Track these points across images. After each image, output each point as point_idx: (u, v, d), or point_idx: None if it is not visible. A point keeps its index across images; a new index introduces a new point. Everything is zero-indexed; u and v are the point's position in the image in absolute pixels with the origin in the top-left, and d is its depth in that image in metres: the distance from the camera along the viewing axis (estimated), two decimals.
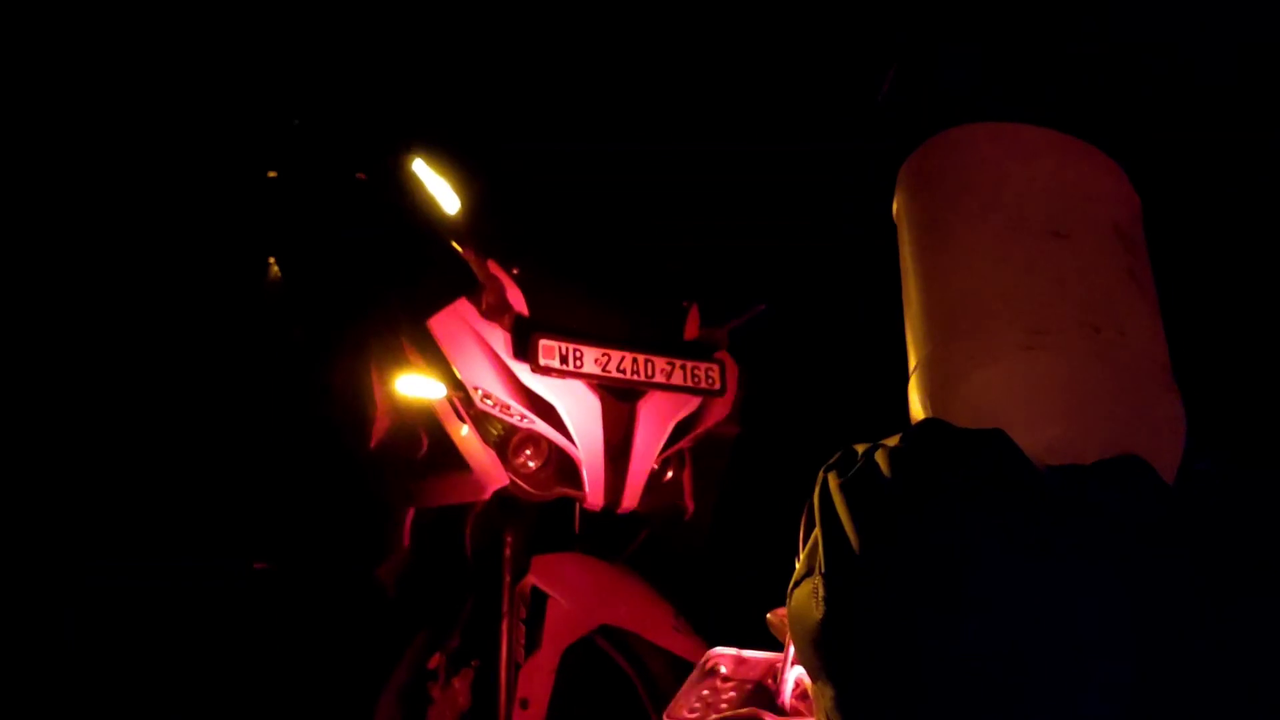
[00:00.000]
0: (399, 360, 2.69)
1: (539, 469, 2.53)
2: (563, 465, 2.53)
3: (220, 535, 2.64)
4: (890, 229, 1.12)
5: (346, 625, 2.58)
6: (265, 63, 2.94)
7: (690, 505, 2.71)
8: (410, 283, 2.69)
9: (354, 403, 2.89)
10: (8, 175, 2.70)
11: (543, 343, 2.42)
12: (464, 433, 2.55)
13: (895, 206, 1.12)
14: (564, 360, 2.43)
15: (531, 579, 2.57)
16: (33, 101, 2.75)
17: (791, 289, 2.98)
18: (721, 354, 2.75)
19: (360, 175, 2.57)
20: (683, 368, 2.56)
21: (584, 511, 2.57)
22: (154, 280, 2.89)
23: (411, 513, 2.71)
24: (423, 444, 2.67)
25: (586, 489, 2.49)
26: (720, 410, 2.69)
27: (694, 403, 2.64)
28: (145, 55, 2.84)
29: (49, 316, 2.69)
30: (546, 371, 2.41)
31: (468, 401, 2.51)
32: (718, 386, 2.60)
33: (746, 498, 2.85)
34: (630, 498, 2.51)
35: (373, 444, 2.83)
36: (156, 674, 2.54)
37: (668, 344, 2.67)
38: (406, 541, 2.73)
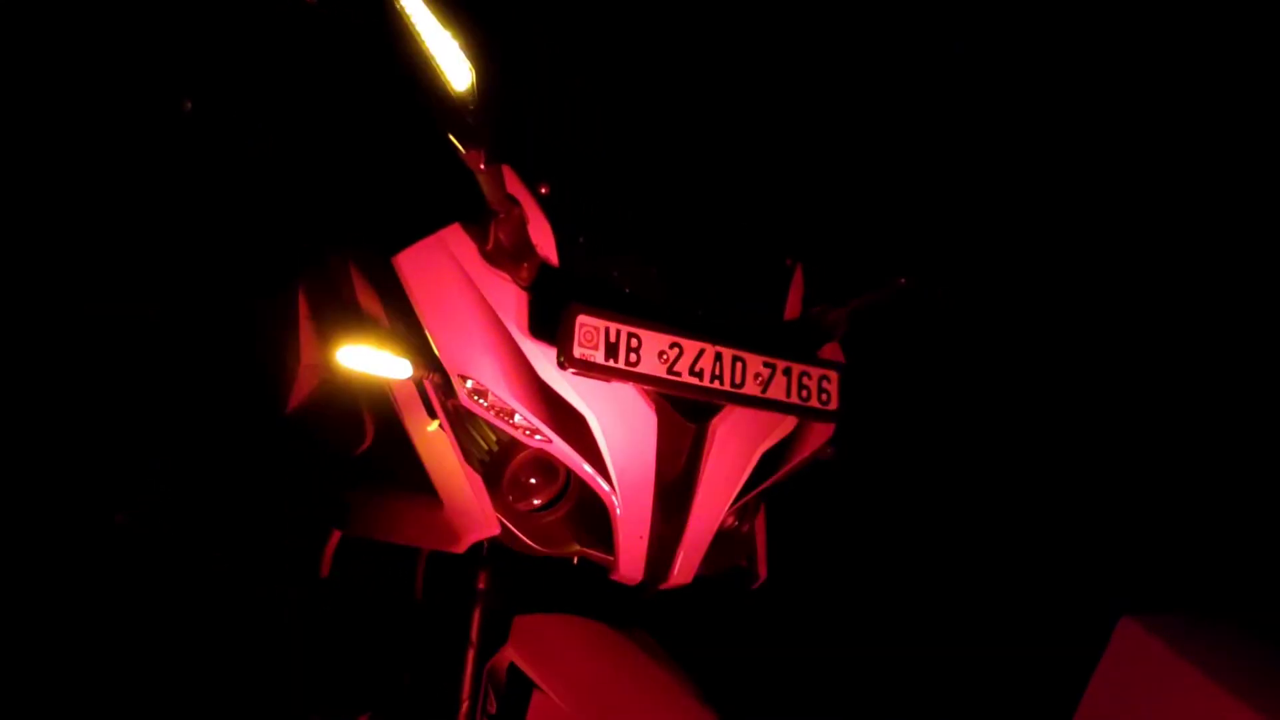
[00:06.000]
0: (341, 303, 1.72)
1: (547, 514, 1.61)
2: (585, 510, 1.61)
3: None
4: None
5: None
6: None
7: (764, 571, 1.82)
8: (370, 185, 1.69)
9: (273, 340, 1.93)
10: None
11: (583, 321, 1.46)
12: (431, 430, 1.61)
13: None
14: (612, 352, 1.48)
15: (510, 653, 1.68)
16: None
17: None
18: (833, 348, 1.83)
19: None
20: (786, 374, 1.63)
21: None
22: None
23: (337, 536, 1.78)
24: (366, 433, 1.72)
25: (620, 553, 1.57)
26: (824, 431, 1.78)
27: (790, 424, 1.73)
28: None
29: None
30: (583, 367, 1.46)
31: (446, 391, 1.56)
32: (833, 405, 1.67)
33: None
34: (684, 569, 1.61)
35: (289, 407, 1.88)
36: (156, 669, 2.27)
37: (763, 328, 1.73)
38: (326, 571, 1.82)
